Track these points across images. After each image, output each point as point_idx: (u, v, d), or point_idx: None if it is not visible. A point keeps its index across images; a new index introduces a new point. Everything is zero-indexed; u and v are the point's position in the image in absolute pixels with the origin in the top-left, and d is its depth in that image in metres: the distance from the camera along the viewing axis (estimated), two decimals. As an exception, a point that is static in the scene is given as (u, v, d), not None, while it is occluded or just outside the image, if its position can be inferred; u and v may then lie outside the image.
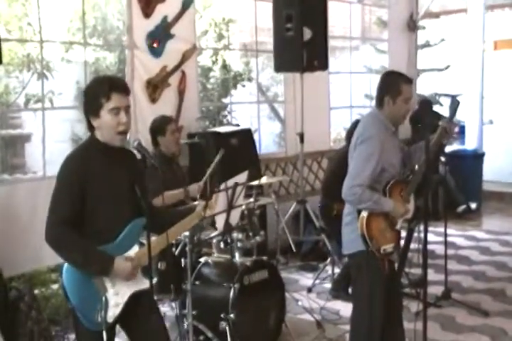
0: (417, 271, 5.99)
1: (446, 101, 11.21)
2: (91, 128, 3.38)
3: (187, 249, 4.50)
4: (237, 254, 4.98)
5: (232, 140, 6.97)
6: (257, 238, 5.14)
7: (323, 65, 7.54)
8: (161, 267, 4.62)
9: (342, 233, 4.26)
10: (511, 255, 7.69)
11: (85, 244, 3.25)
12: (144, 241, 3.34)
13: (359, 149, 4.08)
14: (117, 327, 3.47)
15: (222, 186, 4.31)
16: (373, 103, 4.57)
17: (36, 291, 5.70)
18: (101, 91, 3.29)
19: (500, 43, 11.80)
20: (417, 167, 4.23)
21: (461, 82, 11.44)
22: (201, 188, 5.31)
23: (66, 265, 3.27)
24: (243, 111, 9.88)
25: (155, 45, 6.57)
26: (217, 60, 10.63)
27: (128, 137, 3.45)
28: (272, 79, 11.72)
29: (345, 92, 9.56)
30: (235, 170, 4.54)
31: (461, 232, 8.83)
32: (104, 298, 3.24)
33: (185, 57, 6.89)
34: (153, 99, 6.63)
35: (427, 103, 8.89)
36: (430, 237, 3.98)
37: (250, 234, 5.11)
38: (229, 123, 9.30)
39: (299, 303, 5.81)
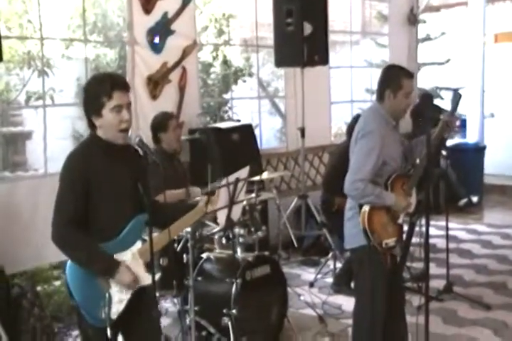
0: (418, 265, 6.02)
1: (447, 95, 11.21)
2: (92, 126, 3.37)
3: (189, 244, 4.52)
4: (239, 250, 4.98)
5: (233, 135, 6.97)
6: (259, 233, 5.14)
7: (324, 60, 7.53)
8: (163, 263, 4.63)
9: (344, 227, 4.26)
10: (513, 248, 7.71)
11: (91, 244, 3.25)
12: (147, 238, 3.34)
13: (360, 144, 4.09)
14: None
15: (224, 182, 4.31)
16: (374, 97, 4.57)
17: (39, 288, 5.71)
18: (102, 90, 3.26)
19: (501, 36, 11.78)
20: (418, 161, 4.23)
21: (462, 75, 11.43)
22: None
23: (69, 262, 3.28)
24: (244, 107, 9.87)
25: (155, 41, 6.57)
26: (217, 55, 10.62)
27: (129, 134, 3.45)
28: (273, 75, 11.71)
29: (346, 87, 9.56)
30: (236, 165, 4.53)
31: (462, 226, 8.83)
32: (107, 295, 3.25)
33: (185, 53, 6.89)
34: (154, 96, 6.63)
35: (427, 97, 8.91)
36: (431, 231, 3.99)
37: (252, 229, 5.11)
38: (230, 119, 9.30)
39: (301, 298, 5.83)
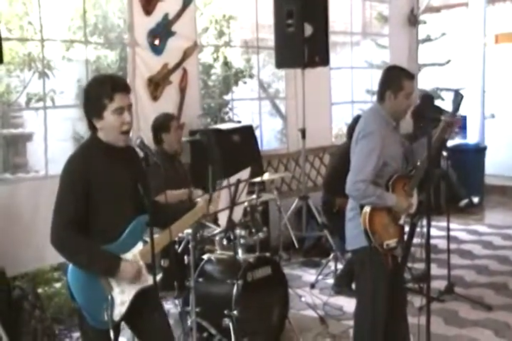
0: (419, 266, 6.00)
1: (448, 96, 11.20)
2: (92, 127, 3.37)
3: (190, 246, 4.52)
4: (240, 251, 4.99)
5: (233, 137, 6.98)
6: (260, 234, 5.15)
7: (324, 61, 7.54)
8: (164, 264, 4.63)
9: (345, 228, 4.26)
10: (514, 249, 7.71)
11: (91, 246, 3.25)
12: (148, 239, 3.34)
13: (360, 144, 4.09)
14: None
15: (225, 183, 4.31)
16: (374, 98, 4.57)
17: (39, 290, 5.72)
18: (103, 92, 3.26)
19: (502, 37, 11.77)
20: (419, 162, 4.23)
21: (463, 76, 11.43)
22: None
23: (71, 264, 3.27)
24: (245, 108, 9.86)
25: (156, 42, 6.57)
26: (218, 57, 10.62)
27: (130, 135, 3.45)
28: (273, 76, 11.70)
29: (347, 88, 9.56)
30: (237, 166, 4.54)
31: (463, 226, 8.83)
32: (110, 297, 3.25)
33: (186, 55, 6.89)
34: (154, 97, 6.63)
35: (428, 98, 8.91)
36: (432, 232, 3.97)
37: (253, 230, 5.12)
38: (230, 120, 9.30)
39: (302, 299, 5.83)
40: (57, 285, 6.28)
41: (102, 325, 3.25)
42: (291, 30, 7.20)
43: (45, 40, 6.28)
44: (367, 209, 4.01)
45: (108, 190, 3.30)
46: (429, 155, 3.86)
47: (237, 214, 4.69)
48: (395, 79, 4.15)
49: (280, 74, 9.78)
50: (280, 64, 7.54)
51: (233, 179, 4.34)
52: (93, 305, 3.24)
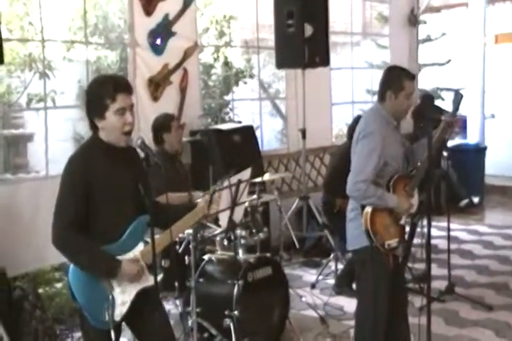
0: (420, 266, 6.01)
1: (448, 96, 11.20)
2: (94, 127, 3.37)
3: (190, 246, 4.52)
4: (240, 251, 4.99)
5: (234, 137, 6.98)
6: (261, 235, 5.15)
7: (325, 61, 7.54)
8: (164, 265, 4.64)
9: (346, 229, 4.27)
10: (514, 249, 7.71)
11: (92, 247, 3.26)
12: (149, 239, 3.34)
13: (361, 144, 4.09)
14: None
15: (226, 183, 4.32)
16: (375, 98, 4.58)
17: (40, 290, 5.72)
18: (105, 92, 3.26)
19: (501, 37, 11.77)
20: (419, 163, 4.23)
21: (463, 76, 11.43)
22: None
23: (72, 264, 3.28)
24: (245, 108, 9.87)
25: (157, 42, 6.58)
26: (218, 57, 10.62)
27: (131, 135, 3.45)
28: (274, 76, 11.70)
29: (347, 88, 9.56)
30: (238, 167, 4.54)
31: (463, 226, 8.83)
32: (110, 297, 3.26)
33: (186, 55, 6.89)
34: (155, 97, 6.64)
35: (428, 98, 8.90)
36: (433, 232, 3.97)
37: (253, 230, 5.12)
38: (231, 121, 9.30)
39: (303, 299, 5.83)
40: (58, 285, 6.28)
41: (103, 325, 3.25)
42: (291, 30, 7.20)
43: (45, 41, 6.29)
44: (368, 209, 4.01)
45: (109, 191, 3.30)
46: (429, 155, 3.86)
47: (238, 214, 4.70)
48: (396, 79, 4.16)
49: (280, 75, 9.79)
50: (280, 64, 7.55)
51: (234, 179, 4.35)
52: (94, 305, 3.24)
